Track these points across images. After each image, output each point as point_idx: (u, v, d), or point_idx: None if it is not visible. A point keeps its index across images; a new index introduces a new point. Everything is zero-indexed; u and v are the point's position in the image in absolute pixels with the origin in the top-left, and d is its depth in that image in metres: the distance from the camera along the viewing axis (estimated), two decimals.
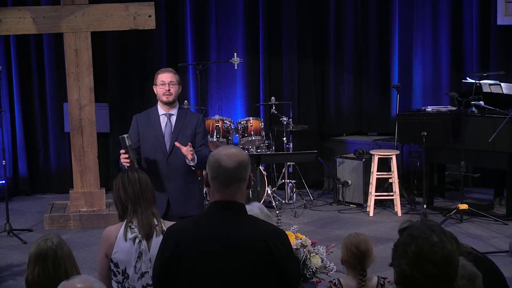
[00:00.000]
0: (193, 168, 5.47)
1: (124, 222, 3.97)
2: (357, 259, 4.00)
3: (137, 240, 3.90)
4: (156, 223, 3.98)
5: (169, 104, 5.54)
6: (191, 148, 5.35)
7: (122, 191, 4.00)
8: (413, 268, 2.45)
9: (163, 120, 5.55)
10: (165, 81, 5.52)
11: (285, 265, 2.98)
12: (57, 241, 3.37)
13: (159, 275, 3.07)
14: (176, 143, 5.42)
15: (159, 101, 5.58)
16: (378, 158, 8.93)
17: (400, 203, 8.90)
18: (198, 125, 5.58)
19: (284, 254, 2.98)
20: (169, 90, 5.51)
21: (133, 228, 3.93)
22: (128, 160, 5.30)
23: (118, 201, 4.03)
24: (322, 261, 4.78)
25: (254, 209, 4.20)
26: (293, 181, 9.44)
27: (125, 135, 5.41)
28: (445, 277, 2.47)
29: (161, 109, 5.58)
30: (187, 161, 5.38)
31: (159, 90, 5.54)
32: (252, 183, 8.41)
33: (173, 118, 5.56)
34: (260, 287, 2.96)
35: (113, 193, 4.08)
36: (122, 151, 5.35)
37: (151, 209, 4.01)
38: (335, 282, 4.09)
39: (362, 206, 9.21)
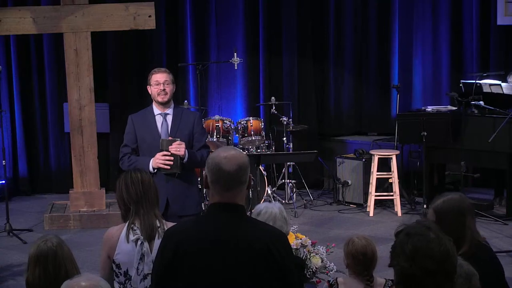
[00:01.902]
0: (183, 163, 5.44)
1: (126, 224, 3.95)
2: (364, 265, 3.99)
3: (139, 242, 3.89)
4: (159, 225, 3.96)
5: (164, 103, 5.54)
6: (182, 144, 5.37)
7: (125, 191, 3.97)
8: (412, 264, 2.46)
9: (158, 120, 5.55)
10: (159, 81, 5.52)
11: (286, 266, 2.97)
12: (56, 241, 3.35)
13: (159, 276, 3.06)
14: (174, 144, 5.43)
15: (154, 101, 5.59)
16: (378, 158, 8.93)
17: (400, 203, 8.90)
18: (195, 124, 5.58)
19: (284, 255, 2.98)
20: (164, 90, 5.51)
21: (135, 230, 3.91)
22: (170, 162, 5.30)
23: (121, 201, 4.00)
24: (322, 261, 4.79)
25: (275, 209, 4.19)
26: (293, 181, 9.44)
27: (170, 138, 5.41)
28: (444, 273, 2.47)
29: (156, 109, 5.58)
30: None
31: (153, 90, 5.54)
32: (252, 183, 8.44)
33: (169, 118, 5.56)
34: None
35: (116, 194, 4.06)
36: (162, 152, 5.33)
37: (153, 210, 3.99)
38: (332, 282, 4.08)
39: (362, 206, 9.20)
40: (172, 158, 5.34)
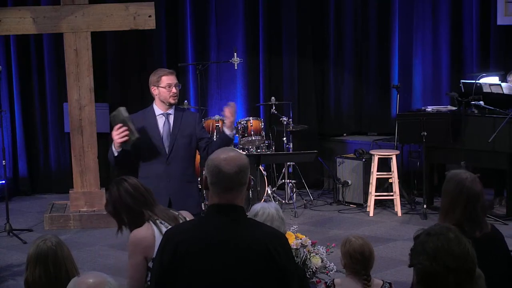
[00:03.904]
0: (230, 137, 5.55)
1: (151, 222, 3.94)
2: (361, 265, 3.99)
3: None
4: (177, 213, 4.03)
5: (172, 105, 5.58)
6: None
7: (129, 198, 3.95)
8: (433, 263, 2.48)
9: (160, 120, 5.57)
10: (171, 84, 5.55)
11: (286, 267, 2.97)
12: (56, 241, 3.33)
13: (158, 276, 3.06)
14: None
15: (158, 101, 5.58)
16: (378, 158, 8.93)
17: (400, 203, 8.90)
18: (196, 124, 5.62)
19: (284, 256, 2.97)
20: (175, 92, 5.55)
21: (163, 223, 3.93)
22: (127, 133, 5.27)
23: (124, 209, 3.96)
24: (322, 261, 4.79)
25: (271, 209, 4.18)
26: (293, 181, 9.43)
27: (120, 108, 5.36)
28: (466, 271, 2.50)
29: (158, 109, 5.58)
30: (226, 130, 5.51)
31: (164, 92, 5.53)
32: (252, 183, 8.43)
33: (171, 118, 5.57)
34: None
35: (114, 204, 3.99)
36: (118, 125, 5.30)
37: (160, 206, 4.05)
38: (329, 284, 4.08)
39: (362, 206, 9.20)
40: (125, 127, 5.28)
